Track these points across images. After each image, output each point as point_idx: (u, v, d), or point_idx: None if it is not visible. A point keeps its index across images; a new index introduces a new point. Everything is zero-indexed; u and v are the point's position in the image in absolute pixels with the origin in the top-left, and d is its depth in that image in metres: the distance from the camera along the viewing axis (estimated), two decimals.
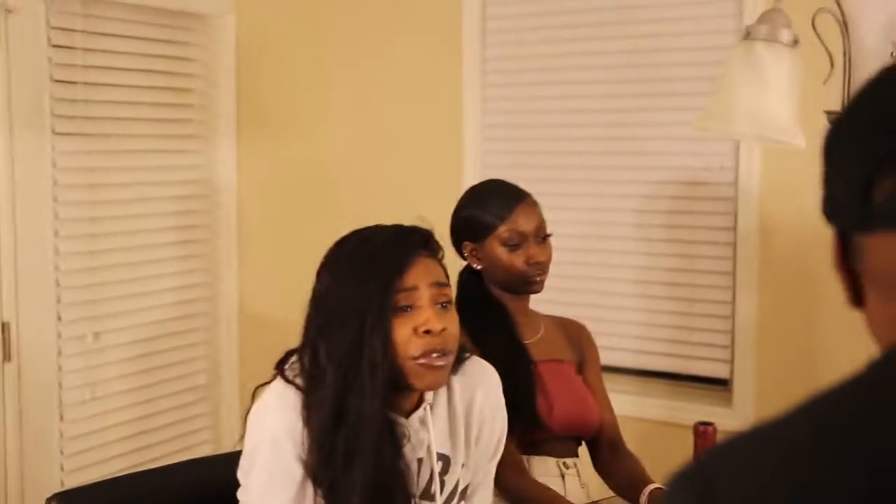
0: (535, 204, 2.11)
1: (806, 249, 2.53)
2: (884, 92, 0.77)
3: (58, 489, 2.15)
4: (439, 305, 1.54)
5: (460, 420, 1.66)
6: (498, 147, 3.06)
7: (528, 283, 2.09)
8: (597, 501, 2.09)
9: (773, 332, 2.68)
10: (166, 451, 3.23)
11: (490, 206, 2.09)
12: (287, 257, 3.32)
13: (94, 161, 3.06)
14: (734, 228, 2.73)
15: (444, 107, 3.10)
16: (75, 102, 2.98)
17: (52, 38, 2.88)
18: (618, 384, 2.69)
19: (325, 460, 1.49)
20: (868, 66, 1.88)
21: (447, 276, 1.60)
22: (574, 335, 2.22)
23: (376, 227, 1.59)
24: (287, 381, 1.53)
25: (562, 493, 2.01)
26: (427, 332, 1.51)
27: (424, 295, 1.52)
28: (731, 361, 2.76)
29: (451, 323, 1.54)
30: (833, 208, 0.80)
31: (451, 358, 1.56)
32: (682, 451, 1.80)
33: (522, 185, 2.15)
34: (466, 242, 2.11)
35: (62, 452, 2.96)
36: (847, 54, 2.02)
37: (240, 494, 1.57)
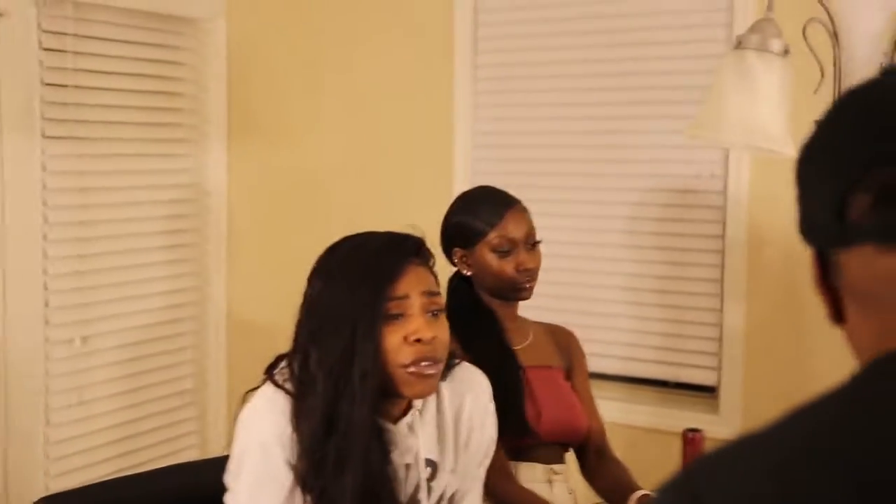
0: (524, 211, 2.12)
1: (794, 258, 2.54)
2: (852, 112, 0.78)
3: (42, 493, 2.14)
4: (430, 314, 1.54)
5: (449, 426, 1.66)
6: (488, 154, 3.07)
7: (517, 289, 2.10)
8: None
9: (760, 340, 2.69)
10: (153, 455, 3.22)
11: (480, 213, 2.09)
12: (276, 262, 3.31)
13: (83, 165, 3.05)
14: (723, 237, 2.74)
15: (435, 113, 3.10)
16: (66, 106, 2.97)
17: (42, 42, 2.87)
18: (606, 391, 2.69)
19: (315, 468, 1.49)
20: (858, 76, 1.89)
21: (438, 284, 1.60)
22: (563, 342, 2.23)
23: (368, 233, 1.60)
24: (277, 385, 1.53)
25: (549, 500, 2.01)
26: (418, 340, 1.51)
27: (415, 303, 1.52)
28: (719, 369, 2.77)
29: (441, 331, 1.55)
30: (809, 227, 0.81)
31: (441, 366, 1.56)
32: (669, 458, 1.81)
33: (512, 192, 2.15)
34: (456, 249, 2.11)
35: (47, 456, 2.95)
36: (837, 64, 2.03)
37: (227, 499, 1.57)
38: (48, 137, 2.91)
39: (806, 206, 0.81)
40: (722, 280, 2.74)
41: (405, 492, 1.60)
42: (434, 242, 1.72)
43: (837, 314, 0.81)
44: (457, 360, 1.70)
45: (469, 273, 2.11)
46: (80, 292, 3.04)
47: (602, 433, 2.18)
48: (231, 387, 3.39)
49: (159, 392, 3.30)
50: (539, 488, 2.02)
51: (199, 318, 3.43)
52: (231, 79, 3.41)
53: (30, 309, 2.87)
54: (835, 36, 2.03)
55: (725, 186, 2.72)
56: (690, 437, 1.87)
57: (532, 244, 2.10)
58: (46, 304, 2.93)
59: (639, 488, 2.01)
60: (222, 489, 1.57)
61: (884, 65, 1.96)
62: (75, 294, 3.03)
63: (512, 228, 2.08)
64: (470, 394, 1.69)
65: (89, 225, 3.07)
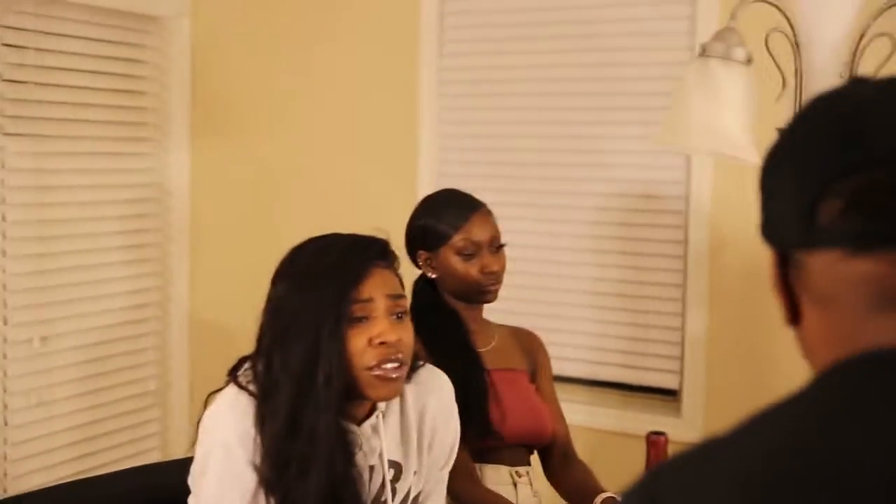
0: (489, 214, 2.13)
1: (755, 263, 2.57)
2: (823, 119, 0.79)
3: (0, 496, 2.11)
4: (395, 316, 1.54)
5: (412, 427, 1.66)
6: (453, 157, 3.07)
7: (482, 292, 2.10)
8: None
9: (722, 344, 2.72)
10: (114, 457, 3.19)
11: (445, 216, 2.09)
12: (239, 263, 3.29)
13: (44, 163, 3.01)
14: (685, 242, 2.76)
15: (400, 115, 3.10)
16: (26, 103, 2.93)
17: (3, 37, 2.84)
18: (570, 394, 2.71)
19: (278, 470, 1.48)
20: (819, 85, 1.91)
21: (403, 287, 1.60)
22: (527, 345, 2.23)
23: (333, 235, 1.59)
24: (240, 387, 1.52)
25: (514, 502, 2.02)
26: (382, 343, 1.51)
27: (380, 306, 1.52)
28: (681, 372, 2.79)
29: (406, 334, 1.55)
30: (773, 230, 0.82)
31: (406, 369, 1.56)
32: (632, 461, 1.82)
33: (477, 195, 2.16)
34: (421, 251, 2.11)
35: (5, 458, 2.91)
36: (799, 73, 2.05)
37: (191, 501, 1.56)
38: (8, 134, 2.88)
39: (771, 209, 0.82)
40: (684, 285, 2.77)
41: (369, 493, 1.59)
42: (399, 245, 1.72)
43: (794, 316, 0.82)
44: (420, 363, 1.70)
45: (434, 276, 2.11)
46: (39, 292, 3.00)
47: (566, 436, 2.19)
48: (194, 388, 3.36)
49: (121, 393, 3.27)
50: (504, 490, 2.03)
51: (162, 318, 3.40)
52: (195, 77, 3.38)
53: None
54: (796, 46, 2.05)
55: (687, 192, 2.75)
56: (654, 440, 1.88)
57: (497, 247, 2.11)
58: (5, 304, 2.90)
59: (603, 491, 2.03)
60: (185, 491, 1.56)
61: (844, 75, 1.99)
62: (34, 293, 2.99)
63: (477, 231, 2.08)
64: (433, 396, 1.70)
65: (49, 223, 3.03)
